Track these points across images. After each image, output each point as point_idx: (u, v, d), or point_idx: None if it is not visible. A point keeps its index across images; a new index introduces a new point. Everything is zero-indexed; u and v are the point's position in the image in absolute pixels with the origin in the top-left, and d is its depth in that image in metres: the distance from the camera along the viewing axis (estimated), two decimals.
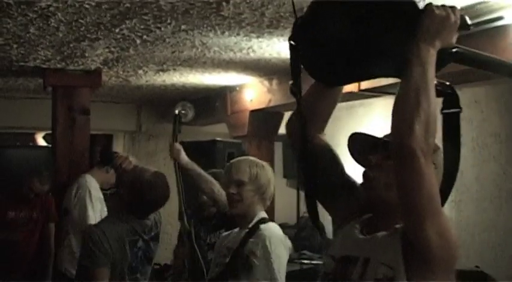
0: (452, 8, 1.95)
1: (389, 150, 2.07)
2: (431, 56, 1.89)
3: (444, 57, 1.94)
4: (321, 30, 2.08)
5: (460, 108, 2.04)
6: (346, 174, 2.29)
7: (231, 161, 3.82)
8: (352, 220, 2.22)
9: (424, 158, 1.82)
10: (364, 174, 2.18)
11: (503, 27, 4.75)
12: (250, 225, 3.54)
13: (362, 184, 2.20)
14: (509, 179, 7.22)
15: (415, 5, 1.92)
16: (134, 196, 3.94)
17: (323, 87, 2.23)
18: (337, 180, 2.27)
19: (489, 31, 4.76)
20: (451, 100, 2.02)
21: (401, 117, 1.86)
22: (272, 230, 3.57)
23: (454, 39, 1.95)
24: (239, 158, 3.88)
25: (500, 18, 4.71)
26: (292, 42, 2.14)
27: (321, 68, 2.16)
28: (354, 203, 2.24)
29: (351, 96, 6.35)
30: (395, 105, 1.90)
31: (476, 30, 4.79)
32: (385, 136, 2.16)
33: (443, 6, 1.93)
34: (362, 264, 2.03)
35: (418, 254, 1.91)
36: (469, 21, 1.97)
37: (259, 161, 3.72)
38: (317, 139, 2.27)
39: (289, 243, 3.60)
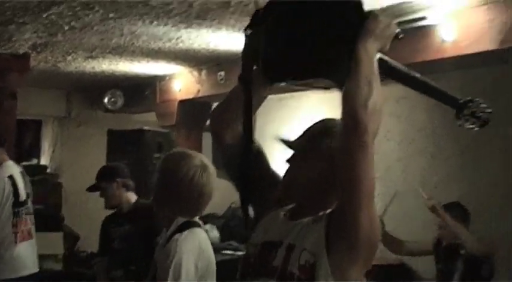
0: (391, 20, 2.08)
1: (303, 151, 2.17)
2: (375, 55, 2.00)
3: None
4: (275, 26, 2.13)
5: None
6: (271, 166, 2.33)
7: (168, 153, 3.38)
8: (276, 209, 2.24)
9: (372, 138, 1.89)
10: (285, 173, 2.22)
11: (426, 27, 4.85)
12: (169, 233, 3.03)
13: (283, 180, 2.23)
14: (434, 173, 7.36)
15: (362, 11, 2.03)
16: None
17: (258, 83, 2.24)
18: (263, 172, 2.30)
19: (412, 30, 4.85)
20: None
21: (355, 97, 1.91)
22: (185, 245, 2.94)
23: (388, 47, 2.05)
24: (173, 151, 3.38)
25: (423, 18, 4.81)
26: (248, 32, 2.18)
27: (269, 62, 2.16)
28: (277, 193, 2.25)
29: (280, 89, 6.39)
30: (347, 94, 1.93)
31: (400, 28, 4.86)
32: (297, 138, 2.22)
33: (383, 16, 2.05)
34: (286, 249, 2.05)
35: (343, 239, 1.94)
36: (401, 35, 2.07)
37: (191, 157, 3.14)
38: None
39: (207, 255, 3.02)
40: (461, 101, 2.16)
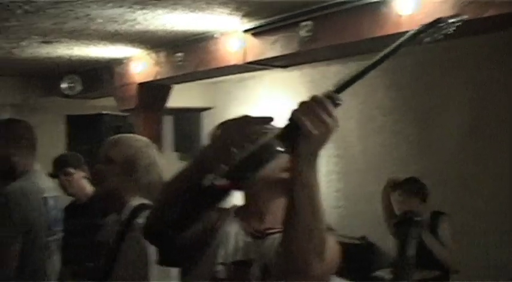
0: (326, 108, 1.70)
1: None
2: (315, 174, 1.75)
3: None
4: None
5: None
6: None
7: (112, 137, 3.26)
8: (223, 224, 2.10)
9: (321, 271, 1.78)
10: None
11: (384, 2, 4.86)
12: (124, 217, 3.01)
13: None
14: (393, 150, 7.43)
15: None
16: None
17: None
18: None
19: (371, 5, 4.87)
20: None
21: (296, 251, 1.76)
22: None
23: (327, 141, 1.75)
24: (121, 135, 3.30)
25: None
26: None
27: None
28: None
29: (238, 69, 6.39)
30: (289, 232, 1.78)
31: (357, 4, 4.89)
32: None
33: (316, 116, 1.69)
34: (260, 270, 1.98)
35: None
36: (339, 101, 1.72)
37: (143, 141, 3.17)
38: None
39: None
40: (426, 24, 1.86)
